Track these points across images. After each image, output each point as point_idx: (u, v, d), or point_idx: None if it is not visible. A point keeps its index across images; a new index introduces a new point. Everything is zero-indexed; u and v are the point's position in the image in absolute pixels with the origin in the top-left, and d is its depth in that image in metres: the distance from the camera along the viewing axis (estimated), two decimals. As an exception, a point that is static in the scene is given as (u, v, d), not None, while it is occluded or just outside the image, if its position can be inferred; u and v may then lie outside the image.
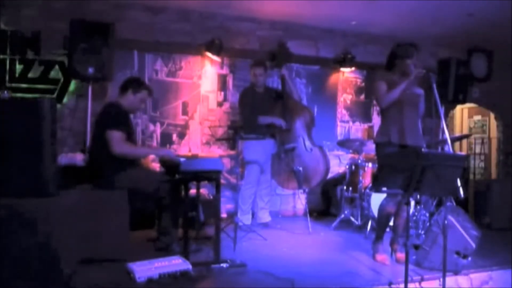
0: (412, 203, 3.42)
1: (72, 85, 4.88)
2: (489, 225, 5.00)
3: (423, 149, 3.53)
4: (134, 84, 3.76)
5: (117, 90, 3.85)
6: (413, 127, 3.58)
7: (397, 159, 3.32)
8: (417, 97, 3.64)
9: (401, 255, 3.49)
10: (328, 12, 5.32)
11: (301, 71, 5.92)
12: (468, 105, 7.40)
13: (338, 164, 5.89)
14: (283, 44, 5.12)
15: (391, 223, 3.80)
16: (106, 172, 3.47)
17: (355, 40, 6.13)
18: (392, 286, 3.12)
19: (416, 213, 4.38)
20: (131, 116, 3.89)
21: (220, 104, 5.57)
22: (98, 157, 3.55)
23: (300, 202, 5.69)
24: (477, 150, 8.15)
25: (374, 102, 5.96)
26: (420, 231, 4.27)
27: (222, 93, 5.57)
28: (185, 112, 5.39)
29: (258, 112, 4.70)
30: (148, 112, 5.22)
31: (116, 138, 3.46)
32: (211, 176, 3.53)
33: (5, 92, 4.22)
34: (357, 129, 6.28)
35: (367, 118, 6.34)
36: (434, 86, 3.50)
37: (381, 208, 3.67)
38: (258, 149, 4.71)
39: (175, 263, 3.03)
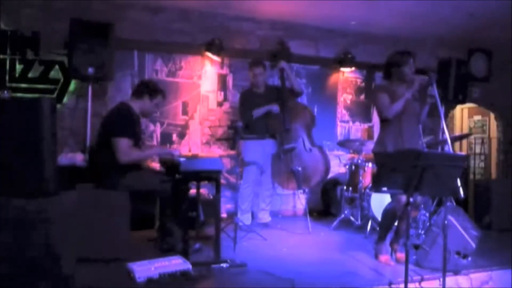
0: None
1: (72, 85, 4.88)
2: (489, 225, 5.00)
3: (423, 150, 3.54)
4: (151, 89, 3.71)
5: (117, 89, 3.81)
6: (412, 136, 3.57)
7: (397, 159, 3.32)
8: (418, 105, 3.63)
9: (401, 255, 3.50)
10: (328, 12, 5.32)
11: (301, 71, 5.92)
12: (468, 105, 7.39)
13: (338, 164, 5.89)
14: (283, 42, 5.10)
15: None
16: (111, 175, 3.44)
17: (355, 40, 6.13)
18: (392, 286, 3.12)
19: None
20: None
21: (220, 104, 5.57)
22: (102, 159, 3.51)
23: (300, 202, 5.69)
24: (477, 150, 8.14)
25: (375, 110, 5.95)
26: (420, 231, 4.27)
27: (222, 93, 5.57)
28: (185, 112, 5.39)
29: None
30: (148, 112, 5.22)
31: (123, 147, 3.41)
32: (211, 176, 3.53)
33: (5, 92, 4.22)
34: (357, 129, 6.28)
35: (367, 118, 6.34)
36: (435, 86, 3.50)
37: (387, 210, 3.66)
38: (258, 150, 4.71)
39: (175, 263, 3.03)
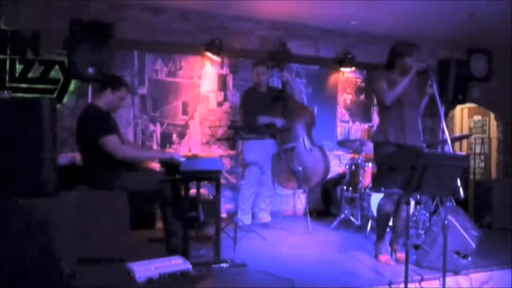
0: (412, 203, 3.42)
1: (72, 85, 4.88)
2: (489, 225, 5.00)
3: (423, 149, 3.54)
4: (113, 82, 3.64)
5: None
6: (412, 127, 3.57)
7: (397, 159, 3.32)
8: (417, 96, 3.63)
9: (401, 255, 3.50)
10: (328, 12, 5.32)
11: (301, 71, 5.92)
12: (468, 105, 7.39)
13: (338, 164, 5.89)
14: (284, 44, 5.11)
15: (390, 223, 3.80)
16: (104, 177, 3.41)
17: (355, 40, 6.13)
18: (392, 286, 3.12)
19: (416, 213, 4.38)
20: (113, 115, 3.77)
21: (220, 104, 5.57)
22: (93, 163, 3.49)
23: (300, 202, 5.69)
24: (477, 150, 8.14)
25: (375, 101, 5.95)
26: (420, 231, 4.27)
27: (222, 93, 5.58)
28: (185, 112, 5.39)
29: (259, 113, 4.69)
30: (148, 112, 5.22)
31: (114, 144, 3.37)
32: (211, 176, 3.52)
33: (5, 92, 4.22)
34: (357, 129, 6.28)
35: (367, 118, 6.34)
36: (435, 85, 3.51)
37: (379, 208, 3.67)
38: (259, 150, 4.72)
39: (175, 263, 3.03)
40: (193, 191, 3.75)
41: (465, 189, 4.70)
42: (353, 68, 6.08)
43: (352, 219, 4.82)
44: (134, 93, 3.92)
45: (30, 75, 4.74)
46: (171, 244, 3.49)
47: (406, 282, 2.83)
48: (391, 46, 3.68)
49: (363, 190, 4.77)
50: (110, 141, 3.38)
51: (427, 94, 3.62)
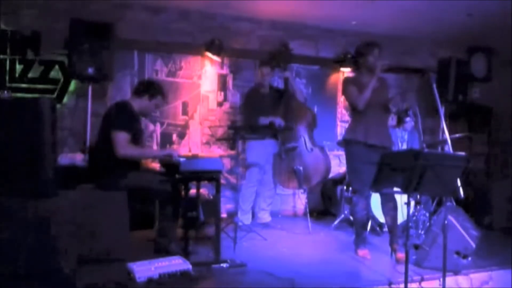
0: (412, 203, 3.41)
1: (72, 85, 4.88)
2: (489, 225, 5.00)
3: (423, 150, 3.55)
4: (152, 89, 3.69)
5: (117, 89, 3.81)
6: (378, 126, 3.66)
7: (397, 159, 3.32)
8: (385, 96, 3.68)
9: (401, 255, 3.50)
10: (328, 12, 5.32)
11: (301, 71, 5.92)
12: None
13: (338, 164, 5.89)
14: (286, 45, 5.11)
15: (382, 221, 3.84)
16: (109, 174, 3.43)
17: (355, 40, 6.08)
18: (392, 286, 3.12)
19: (416, 213, 4.37)
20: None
21: (220, 104, 5.57)
22: (102, 157, 3.50)
23: (300, 202, 5.69)
24: (477, 150, 8.12)
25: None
26: (420, 231, 4.27)
27: (222, 93, 5.57)
28: (185, 112, 5.39)
29: (261, 113, 4.68)
30: (148, 112, 5.22)
31: (120, 140, 3.39)
32: (211, 176, 3.53)
33: (5, 92, 4.22)
34: (357, 129, 6.27)
35: (367, 118, 6.33)
36: (434, 86, 3.51)
37: (352, 207, 3.81)
38: (260, 150, 4.72)
39: (175, 263, 3.03)
40: (193, 191, 3.76)
41: (465, 189, 4.69)
42: (353, 68, 6.07)
43: (352, 219, 4.81)
44: (166, 101, 3.98)
45: (30, 75, 4.74)
46: (159, 244, 3.48)
47: (406, 282, 2.84)
48: (355, 49, 3.80)
49: (363, 190, 4.77)
50: (119, 137, 3.40)
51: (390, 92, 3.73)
